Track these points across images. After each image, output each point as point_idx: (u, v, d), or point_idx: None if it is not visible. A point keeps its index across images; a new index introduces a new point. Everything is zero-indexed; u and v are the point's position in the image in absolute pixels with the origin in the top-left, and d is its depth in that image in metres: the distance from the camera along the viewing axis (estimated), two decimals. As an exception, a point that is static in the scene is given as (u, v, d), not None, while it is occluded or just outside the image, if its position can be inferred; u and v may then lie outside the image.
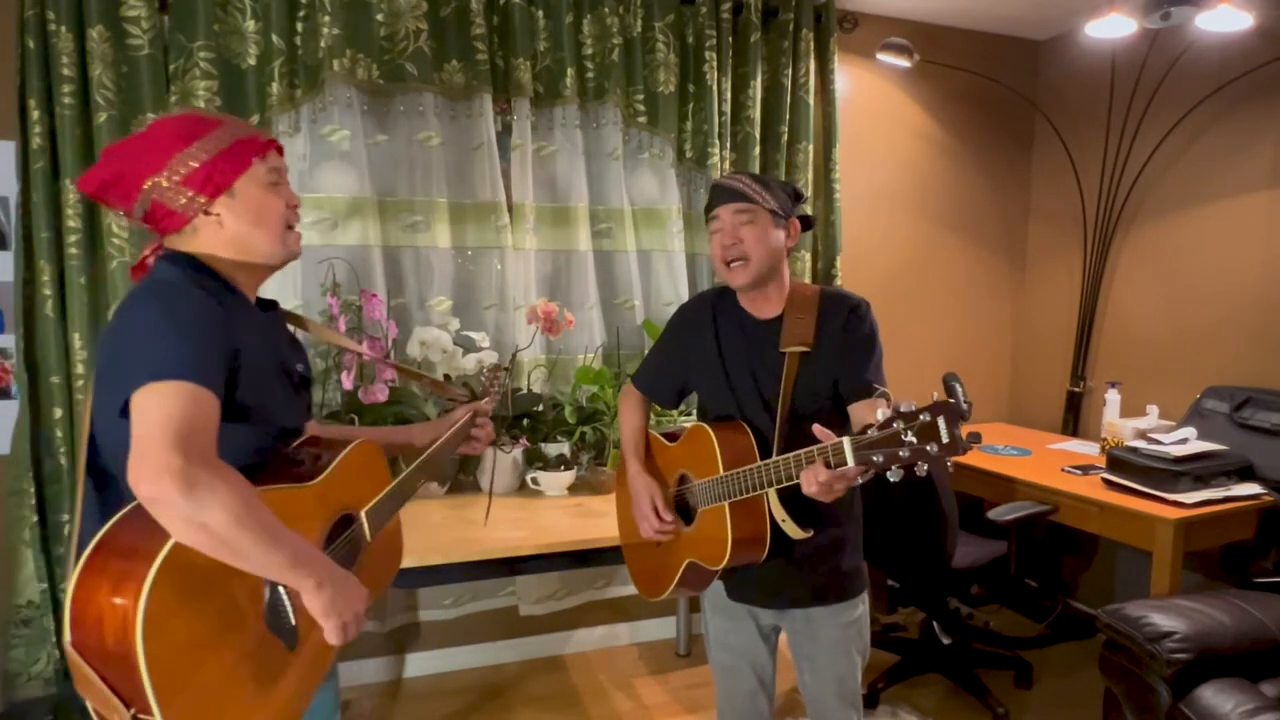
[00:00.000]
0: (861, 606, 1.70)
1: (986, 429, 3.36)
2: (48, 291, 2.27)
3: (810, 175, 3.04)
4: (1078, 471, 2.69)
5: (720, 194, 1.59)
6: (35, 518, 2.29)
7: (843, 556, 1.64)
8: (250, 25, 2.39)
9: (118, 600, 0.91)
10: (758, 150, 2.96)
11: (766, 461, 1.45)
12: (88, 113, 2.27)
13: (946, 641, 2.79)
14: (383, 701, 2.72)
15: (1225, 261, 2.88)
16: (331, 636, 1.10)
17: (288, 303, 2.56)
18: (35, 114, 2.21)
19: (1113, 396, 2.97)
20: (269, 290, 2.51)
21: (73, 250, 2.28)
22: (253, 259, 1.20)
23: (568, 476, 2.60)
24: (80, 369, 2.31)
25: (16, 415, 2.31)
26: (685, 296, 2.98)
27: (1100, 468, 2.65)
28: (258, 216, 1.17)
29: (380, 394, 2.42)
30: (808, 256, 3.09)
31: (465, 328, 2.69)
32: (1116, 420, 2.90)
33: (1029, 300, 3.67)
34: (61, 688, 2.32)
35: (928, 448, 1.19)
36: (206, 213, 1.14)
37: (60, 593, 2.36)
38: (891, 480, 1.23)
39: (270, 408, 1.18)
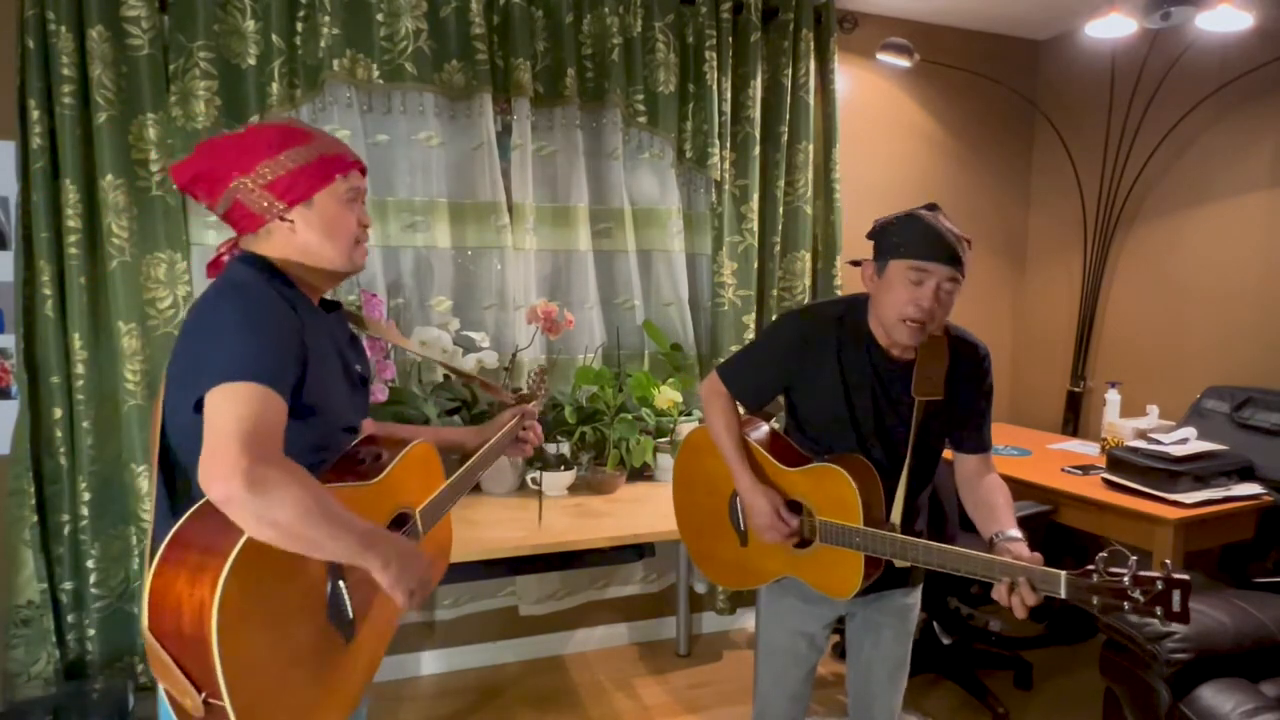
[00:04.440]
0: (919, 592, 1.75)
1: (986, 429, 3.36)
2: (48, 291, 2.27)
3: (810, 175, 3.04)
4: (1078, 471, 2.69)
5: (940, 249, 1.44)
6: (35, 518, 2.28)
7: None
8: (250, 25, 2.39)
9: (194, 590, 0.97)
10: (758, 150, 2.96)
11: (944, 548, 1.41)
12: (88, 113, 2.27)
13: (946, 641, 2.79)
14: (382, 701, 2.72)
15: (1225, 262, 2.88)
16: (400, 602, 1.16)
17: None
18: (35, 114, 2.21)
19: (1113, 396, 2.97)
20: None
21: (73, 250, 2.28)
22: (320, 265, 1.25)
23: (568, 476, 2.60)
24: (80, 369, 2.31)
25: (16, 415, 2.31)
26: (685, 296, 2.99)
27: (1100, 468, 2.65)
28: (330, 229, 1.23)
29: (380, 394, 2.42)
30: (807, 256, 3.09)
31: (465, 328, 2.69)
32: (1116, 420, 2.90)
33: (1029, 300, 3.67)
34: (61, 688, 2.32)
35: (1156, 609, 1.22)
36: (282, 218, 1.20)
37: (60, 593, 2.36)
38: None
39: (333, 406, 1.23)
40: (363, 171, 1.29)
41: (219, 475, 0.96)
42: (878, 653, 1.73)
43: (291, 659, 1.06)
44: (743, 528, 1.74)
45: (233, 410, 0.99)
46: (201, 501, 1.02)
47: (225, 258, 1.25)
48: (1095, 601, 1.25)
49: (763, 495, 1.62)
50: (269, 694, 1.02)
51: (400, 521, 1.31)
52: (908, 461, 1.53)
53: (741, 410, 1.75)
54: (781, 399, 1.73)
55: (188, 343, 1.11)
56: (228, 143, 1.20)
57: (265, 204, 1.18)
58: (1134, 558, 1.25)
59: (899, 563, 1.51)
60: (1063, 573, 1.29)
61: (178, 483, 1.17)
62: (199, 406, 1.02)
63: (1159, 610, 1.22)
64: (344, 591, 1.15)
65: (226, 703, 0.95)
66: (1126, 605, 1.23)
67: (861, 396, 1.57)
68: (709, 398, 1.72)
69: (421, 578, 1.18)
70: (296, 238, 1.21)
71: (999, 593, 1.34)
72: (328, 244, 1.23)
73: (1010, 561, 1.34)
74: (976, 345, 1.62)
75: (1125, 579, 1.23)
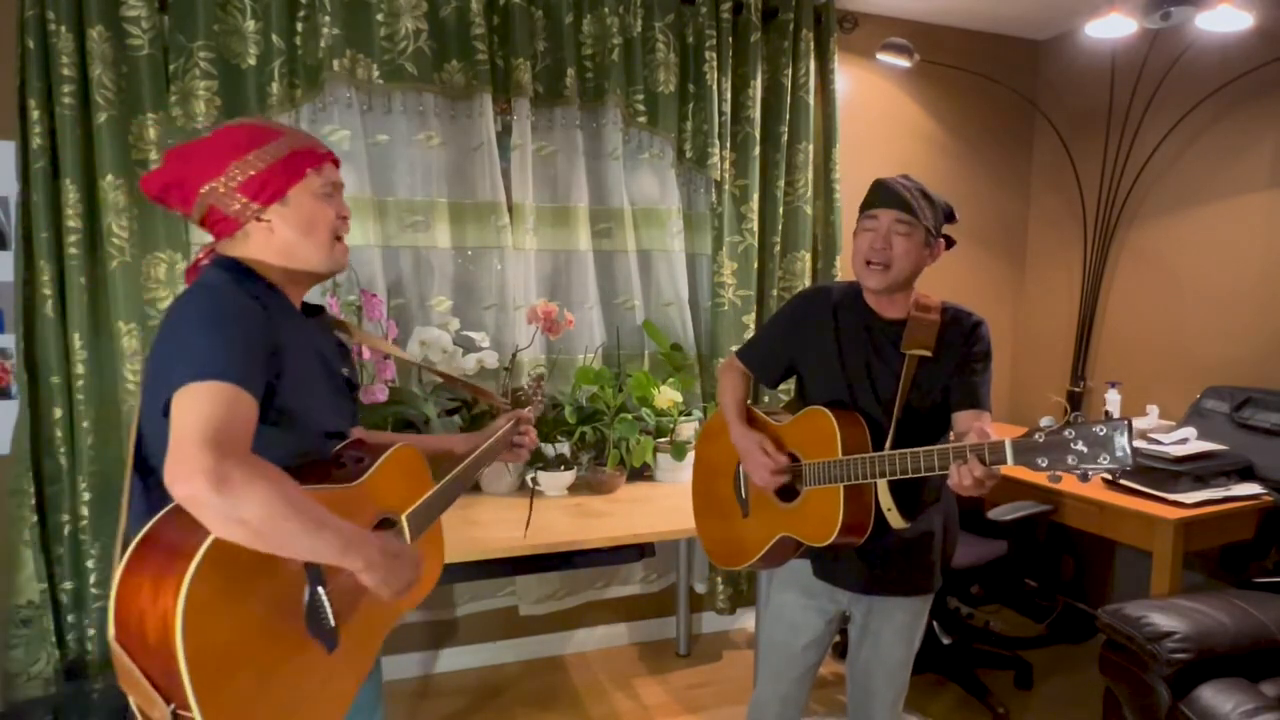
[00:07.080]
0: (930, 600, 1.77)
1: (986, 429, 3.36)
2: (48, 291, 2.27)
3: (810, 175, 3.04)
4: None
5: (885, 196, 1.59)
6: (35, 518, 2.29)
7: (931, 551, 1.69)
8: (250, 25, 2.39)
9: (159, 596, 0.93)
10: (758, 150, 2.95)
11: (905, 451, 1.46)
12: (88, 113, 2.27)
13: (946, 641, 2.79)
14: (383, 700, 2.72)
15: (1225, 262, 2.88)
16: (386, 599, 1.16)
17: (288, 303, 2.56)
18: (35, 114, 2.21)
19: (1113, 396, 2.97)
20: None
21: (73, 250, 2.28)
22: (299, 266, 1.23)
23: (568, 476, 2.60)
24: (80, 369, 2.30)
25: (16, 415, 2.31)
26: (685, 296, 2.99)
27: (1100, 468, 2.64)
28: (308, 226, 1.21)
29: (380, 394, 2.42)
30: (807, 256, 3.09)
31: (465, 328, 2.69)
32: (1116, 420, 2.90)
33: (1029, 300, 3.67)
34: (61, 688, 2.32)
35: (1100, 459, 1.23)
36: (259, 219, 1.19)
37: (60, 593, 2.36)
38: (1052, 484, 1.30)
39: (313, 411, 1.21)
40: (336, 164, 1.28)
41: (181, 475, 0.94)
42: (877, 655, 1.75)
43: (267, 670, 1.02)
44: (744, 496, 1.81)
45: (196, 409, 0.98)
46: (173, 504, 0.99)
47: (204, 262, 1.23)
48: (1043, 463, 1.28)
49: (751, 437, 1.71)
50: (242, 705, 0.98)
51: (385, 526, 1.28)
52: (896, 411, 1.58)
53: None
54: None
55: (158, 345, 1.10)
56: (196, 148, 1.19)
57: (239, 206, 1.17)
58: (1077, 413, 1.26)
59: (891, 519, 1.55)
60: (1007, 439, 1.32)
61: (152, 487, 1.14)
62: (167, 410, 1.00)
63: (1103, 459, 1.23)
64: (324, 599, 1.11)
65: (196, 714, 0.92)
66: (1071, 459, 1.25)
67: (853, 354, 1.66)
68: (721, 371, 1.90)
69: (409, 578, 1.17)
70: (275, 237, 1.20)
71: (954, 479, 1.38)
72: (306, 240, 1.22)
73: (960, 444, 1.39)
74: (971, 314, 1.68)
75: (1067, 432, 1.26)
